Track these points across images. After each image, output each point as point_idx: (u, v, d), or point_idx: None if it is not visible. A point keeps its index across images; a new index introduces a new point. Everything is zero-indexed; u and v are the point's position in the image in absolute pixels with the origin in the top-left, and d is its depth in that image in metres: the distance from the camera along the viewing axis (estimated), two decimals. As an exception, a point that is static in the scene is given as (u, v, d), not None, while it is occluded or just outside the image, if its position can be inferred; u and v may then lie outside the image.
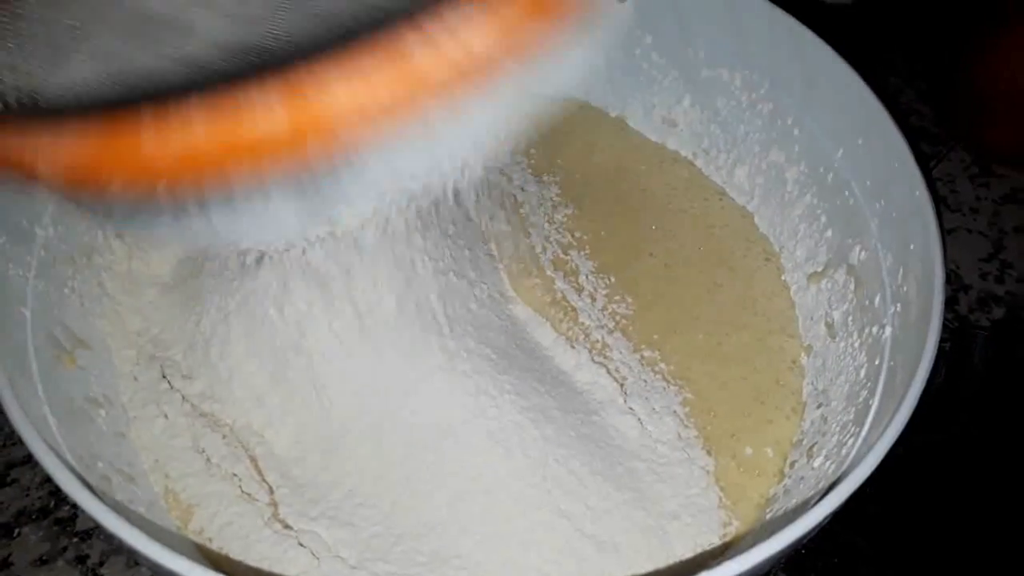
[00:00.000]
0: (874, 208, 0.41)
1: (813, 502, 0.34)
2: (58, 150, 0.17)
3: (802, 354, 0.44)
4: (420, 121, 0.19)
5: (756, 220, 0.50)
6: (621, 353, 0.43)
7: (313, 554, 0.36)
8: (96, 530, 0.42)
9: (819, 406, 0.41)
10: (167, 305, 0.44)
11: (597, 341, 0.44)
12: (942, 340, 0.45)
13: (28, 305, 0.37)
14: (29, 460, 0.44)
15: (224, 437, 0.39)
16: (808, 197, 0.46)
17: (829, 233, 0.45)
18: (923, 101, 0.63)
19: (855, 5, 0.66)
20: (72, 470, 0.29)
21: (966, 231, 0.57)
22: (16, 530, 0.42)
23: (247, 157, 0.17)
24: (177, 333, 0.42)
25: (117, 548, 0.41)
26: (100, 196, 0.21)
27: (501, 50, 0.18)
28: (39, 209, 0.39)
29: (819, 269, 0.45)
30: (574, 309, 0.45)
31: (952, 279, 0.54)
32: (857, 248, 0.42)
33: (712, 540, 0.37)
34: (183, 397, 0.40)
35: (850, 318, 0.42)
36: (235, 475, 0.38)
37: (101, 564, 0.41)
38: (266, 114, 0.17)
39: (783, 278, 0.47)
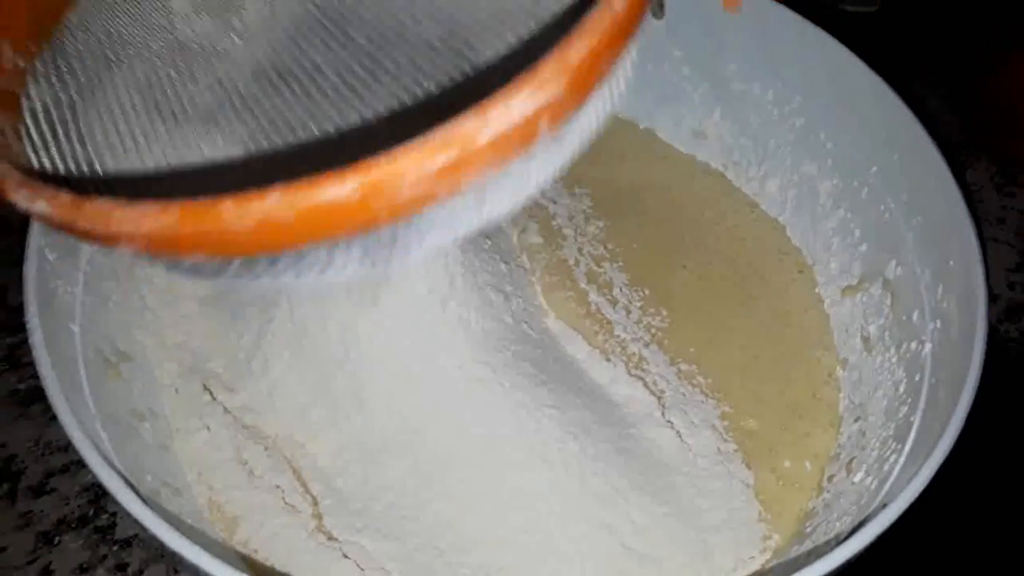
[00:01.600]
0: (910, 223, 0.41)
1: (856, 519, 0.34)
2: (139, 225, 0.18)
3: (838, 368, 0.44)
4: (478, 186, 0.19)
5: (788, 232, 0.50)
6: (658, 366, 0.44)
7: (358, 566, 0.36)
8: (135, 538, 0.42)
9: (856, 420, 0.41)
10: (207, 319, 0.44)
11: (634, 354, 0.44)
12: None
13: (76, 321, 0.37)
14: (68, 469, 0.45)
15: (266, 449, 0.40)
16: (841, 211, 0.46)
17: (864, 247, 0.45)
18: (948, 110, 0.63)
19: (878, 13, 0.66)
20: (127, 483, 0.29)
21: (993, 241, 0.57)
22: (56, 538, 0.42)
23: (319, 227, 0.18)
24: (218, 346, 0.43)
25: (156, 556, 0.42)
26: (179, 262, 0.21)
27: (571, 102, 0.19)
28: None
29: (854, 283, 0.45)
30: (609, 322, 0.46)
31: None
32: (893, 263, 0.42)
33: (752, 553, 0.37)
34: (225, 409, 0.41)
35: (887, 333, 0.42)
36: (278, 487, 0.39)
37: (141, 572, 0.41)
38: (339, 187, 0.17)
39: (817, 291, 0.47)
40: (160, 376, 0.42)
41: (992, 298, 0.53)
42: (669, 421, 0.41)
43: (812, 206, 0.48)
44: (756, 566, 0.37)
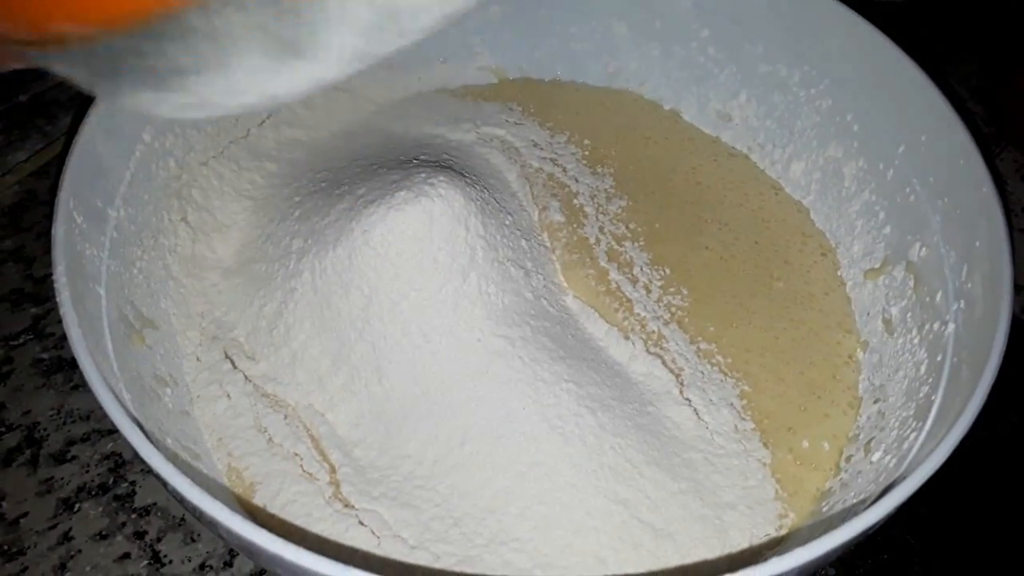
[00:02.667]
0: (936, 205, 0.41)
1: (874, 497, 0.34)
2: None
3: (858, 349, 0.44)
4: None
5: (812, 215, 0.50)
6: (677, 344, 0.43)
7: (374, 533, 0.36)
8: (154, 506, 0.43)
9: (876, 401, 0.41)
10: (230, 288, 0.45)
11: (653, 332, 0.44)
12: None
13: (103, 283, 0.38)
14: (88, 438, 0.46)
15: (286, 417, 0.40)
16: (866, 193, 0.46)
17: (887, 230, 0.45)
18: (975, 100, 0.62)
19: (907, 3, 0.65)
20: (154, 444, 0.30)
21: (1018, 231, 0.56)
22: (76, 505, 0.43)
23: None
24: (240, 315, 0.43)
25: (174, 525, 0.42)
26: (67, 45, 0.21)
27: None
28: (111, 191, 0.40)
29: (876, 265, 0.45)
30: (629, 300, 0.46)
31: None
32: (917, 245, 0.42)
33: (768, 531, 0.37)
34: (245, 377, 0.41)
35: (909, 314, 0.41)
36: (296, 454, 0.39)
37: (159, 540, 0.42)
38: None
39: (839, 273, 0.47)
40: (183, 344, 0.43)
41: (1016, 289, 0.52)
42: (687, 399, 0.41)
43: (837, 188, 0.48)
44: (767, 543, 0.37)
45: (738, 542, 0.36)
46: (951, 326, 0.37)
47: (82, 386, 0.47)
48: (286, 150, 0.50)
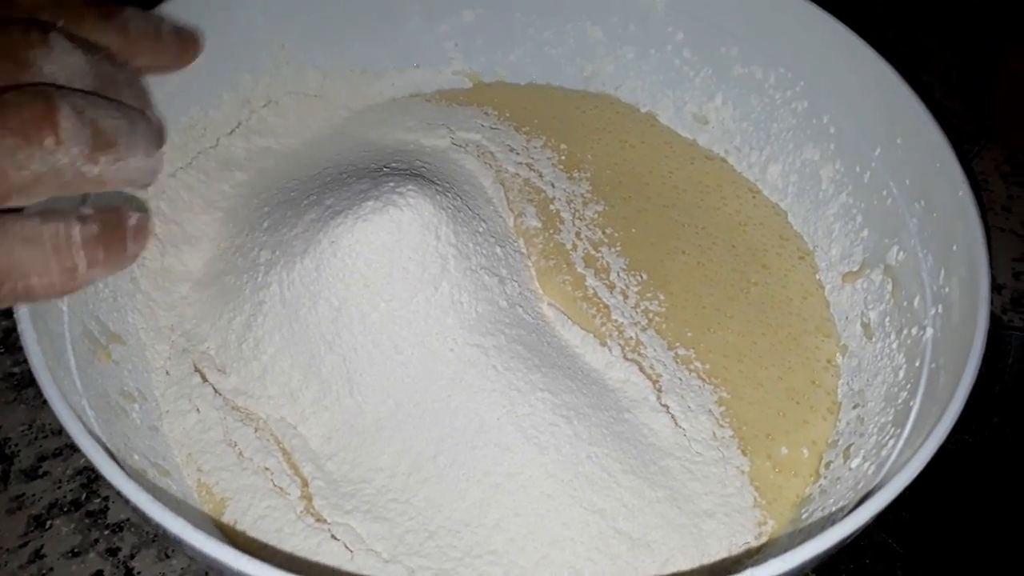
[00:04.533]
0: (913, 208, 0.41)
1: (852, 504, 0.33)
2: None
3: (837, 354, 0.44)
4: None
5: (790, 218, 0.49)
6: (655, 350, 0.43)
7: (347, 547, 0.35)
8: (127, 522, 0.42)
9: (855, 407, 0.41)
10: (199, 301, 0.44)
11: (631, 338, 0.43)
12: None
13: (65, 299, 0.37)
14: (60, 453, 0.45)
15: (256, 431, 0.39)
16: (843, 196, 0.46)
17: (865, 232, 0.44)
18: (955, 97, 0.62)
19: (886, 1, 0.65)
20: (116, 461, 0.29)
21: (999, 230, 0.57)
22: (48, 522, 0.42)
23: None
24: (210, 329, 0.43)
25: (148, 541, 0.41)
26: None
27: None
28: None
29: (855, 269, 0.45)
30: (606, 306, 0.45)
31: None
32: (895, 248, 0.42)
33: (747, 539, 0.37)
34: (215, 391, 0.41)
35: (887, 319, 0.41)
36: (267, 469, 0.38)
37: (132, 556, 0.41)
38: None
39: (817, 277, 0.47)
40: (152, 358, 0.42)
41: (997, 288, 0.53)
42: (665, 405, 0.40)
43: (814, 191, 0.48)
44: (748, 551, 0.37)
45: (716, 551, 0.36)
46: (929, 331, 0.37)
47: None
48: (256, 159, 0.50)
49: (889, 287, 0.42)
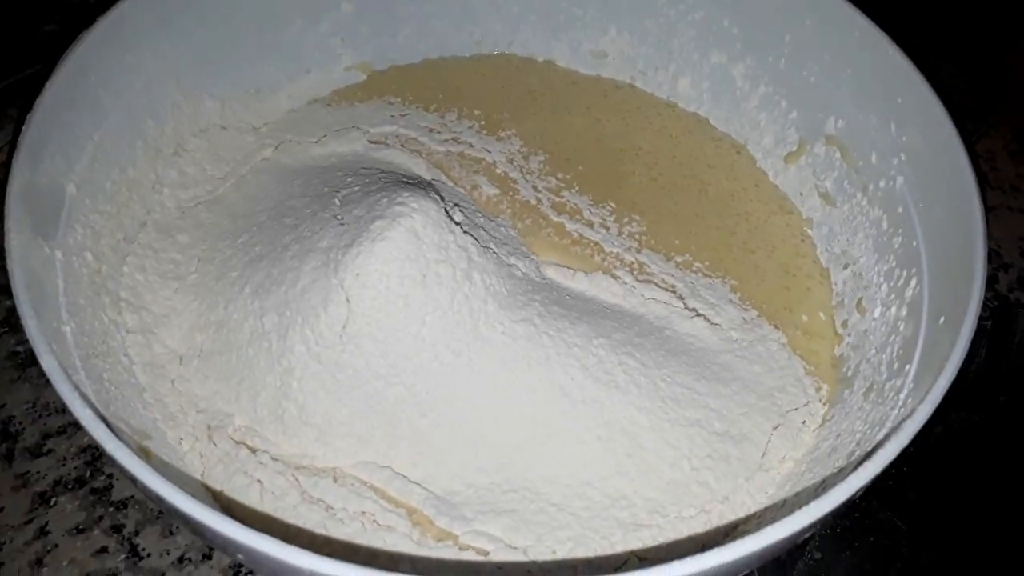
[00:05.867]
0: (840, 78, 0.45)
1: (900, 345, 0.37)
2: None
3: (805, 227, 0.48)
4: None
5: (712, 122, 0.53)
6: (658, 265, 0.45)
7: (479, 552, 0.35)
8: (131, 499, 0.42)
9: (845, 267, 0.45)
10: (197, 376, 0.40)
11: (632, 263, 0.45)
12: (983, 318, 0.44)
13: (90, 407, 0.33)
14: (65, 431, 0.44)
15: (335, 480, 0.37)
16: (761, 87, 0.50)
17: (794, 114, 0.48)
18: (963, 79, 0.61)
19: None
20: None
21: (1007, 209, 0.56)
22: (53, 499, 0.42)
23: None
24: (232, 405, 0.39)
25: (152, 517, 0.41)
26: None
27: None
28: (56, 307, 0.35)
29: (793, 149, 0.49)
30: (596, 243, 0.47)
31: (992, 258, 0.53)
32: (832, 119, 0.46)
33: (814, 407, 0.40)
34: (273, 458, 0.38)
35: (845, 182, 0.46)
36: (363, 512, 0.36)
37: (136, 533, 0.41)
38: None
39: (758, 166, 0.51)
40: (177, 447, 0.38)
41: (1004, 266, 0.53)
42: (693, 309, 0.43)
43: (730, 91, 0.51)
44: (819, 418, 0.40)
45: (798, 423, 0.39)
46: (899, 179, 0.42)
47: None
48: (189, 215, 0.46)
49: (837, 154, 0.46)
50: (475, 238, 0.40)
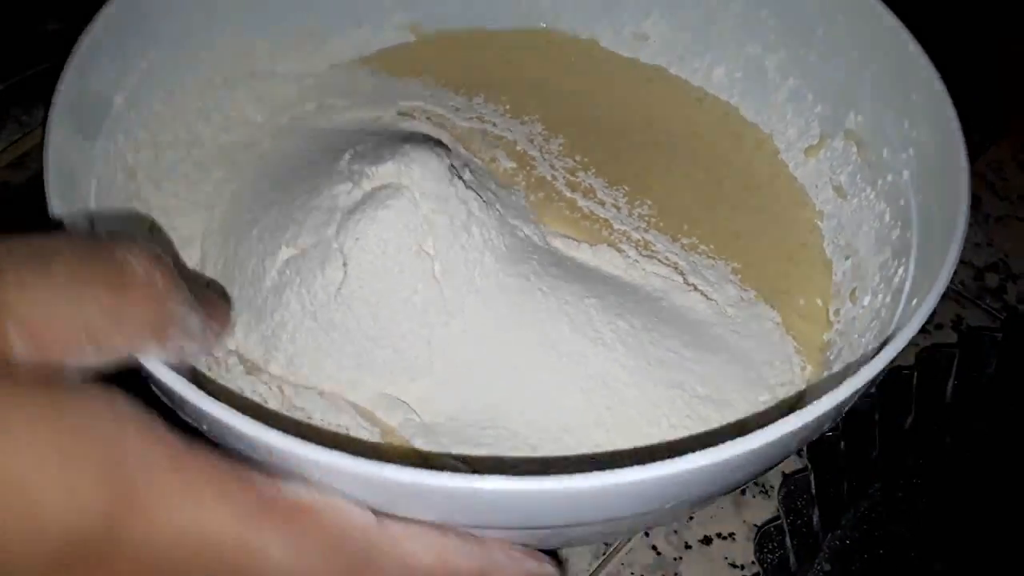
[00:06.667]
0: (864, 74, 0.46)
1: (876, 332, 0.38)
2: None
3: (815, 219, 0.49)
4: None
5: (742, 112, 0.54)
6: (663, 244, 0.47)
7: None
8: None
9: (847, 258, 0.46)
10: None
11: (639, 240, 0.47)
12: (993, 330, 0.48)
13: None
14: None
15: (321, 394, 0.39)
16: (791, 80, 0.51)
17: (819, 108, 0.49)
18: (972, 87, 0.57)
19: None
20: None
21: (1016, 219, 0.56)
22: None
23: None
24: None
25: None
26: None
27: None
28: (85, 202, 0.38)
29: (814, 142, 0.50)
30: (605, 220, 0.48)
31: (1000, 268, 0.54)
32: (852, 113, 0.47)
33: (797, 384, 0.41)
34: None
35: (858, 176, 0.46)
36: (340, 425, 0.39)
37: None
38: None
39: (780, 157, 0.52)
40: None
41: (1012, 278, 0.54)
42: (691, 284, 0.44)
43: (761, 83, 0.52)
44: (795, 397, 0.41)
45: (783, 395, 0.40)
46: (905, 173, 0.42)
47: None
48: (227, 154, 0.49)
49: (854, 149, 0.47)
50: (478, 194, 0.42)
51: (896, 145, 0.43)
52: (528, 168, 0.51)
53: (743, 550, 0.42)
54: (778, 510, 0.41)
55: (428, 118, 0.53)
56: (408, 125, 0.52)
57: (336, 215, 0.40)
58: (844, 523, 0.40)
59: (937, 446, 0.42)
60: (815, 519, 0.40)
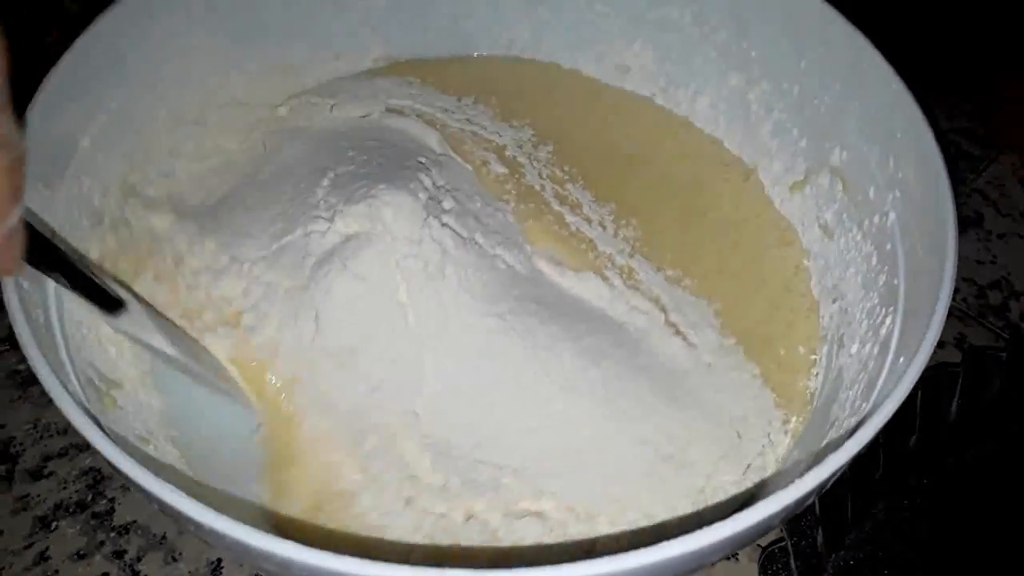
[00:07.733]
0: (848, 109, 0.44)
1: (864, 385, 0.36)
2: None
3: (803, 259, 0.47)
4: None
5: (726, 144, 0.52)
6: (647, 274, 0.45)
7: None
8: (134, 524, 0.42)
9: (834, 300, 0.44)
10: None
11: (623, 266, 0.45)
12: (997, 349, 0.47)
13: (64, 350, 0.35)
14: (66, 453, 0.44)
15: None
16: (775, 113, 0.49)
17: (804, 143, 0.48)
18: (971, 105, 0.61)
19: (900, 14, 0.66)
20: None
21: (1018, 236, 0.56)
22: (54, 523, 0.42)
23: None
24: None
25: (156, 543, 0.41)
26: None
27: None
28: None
29: (800, 178, 0.48)
30: (591, 240, 0.47)
31: (1003, 286, 0.53)
32: (837, 150, 0.45)
33: (779, 438, 0.39)
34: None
35: (844, 215, 0.45)
36: None
37: (139, 559, 0.41)
38: None
39: (766, 193, 0.50)
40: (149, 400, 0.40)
41: (1015, 295, 0.53)
42: (672, 323, 0.43)
43: (744, 115, 0.51)
44: (783, 450, 0.39)
45: (754, 452, 0.38)
46: (892, 215, 0.41)
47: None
48: (201, 183, 0.48)
49: (839, 186, 0.45)
50: (455, 231, 0.41)
51: (881, 184, 0.42)
52: (517, 175, 0.50)
53: (748, 571, 0.41)
54: (782, 531, 0.40)
55: (418, 116, 0.51)
56: (396, 123, 0.50)
57: (309, 260, 0.40)
58: (848, 544, 0.39)
59: (941, 466, 0.41)
60: (819, 540, 0.39)
